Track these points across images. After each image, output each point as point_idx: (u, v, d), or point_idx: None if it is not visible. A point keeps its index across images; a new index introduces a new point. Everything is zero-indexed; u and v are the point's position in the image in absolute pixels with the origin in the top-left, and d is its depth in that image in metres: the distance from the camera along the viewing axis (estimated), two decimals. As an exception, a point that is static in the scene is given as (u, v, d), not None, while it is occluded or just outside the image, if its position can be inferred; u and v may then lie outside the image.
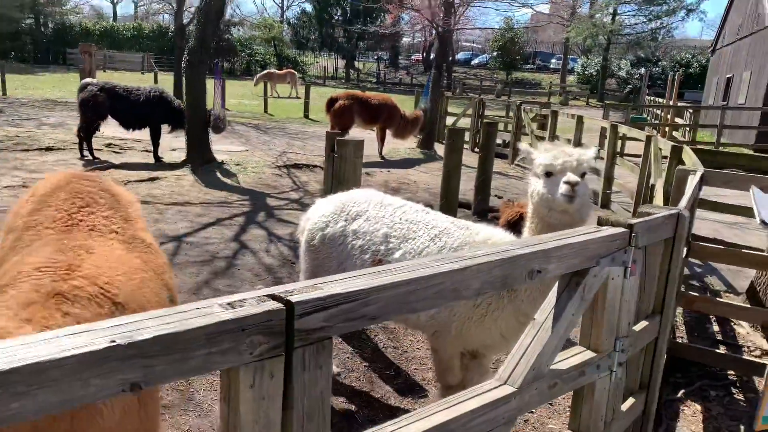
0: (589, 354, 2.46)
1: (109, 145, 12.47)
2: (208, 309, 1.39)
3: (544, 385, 2.21)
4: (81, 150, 11.05)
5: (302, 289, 1.54)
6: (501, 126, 16.99)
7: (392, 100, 14.85)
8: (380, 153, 14.44)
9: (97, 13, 70.50)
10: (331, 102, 14.22)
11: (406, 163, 13.84)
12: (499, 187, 11.08)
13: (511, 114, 17.84)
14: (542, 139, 13.80)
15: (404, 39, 52.21)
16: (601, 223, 2.52)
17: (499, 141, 16.24)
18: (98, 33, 48.72)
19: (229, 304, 1.43)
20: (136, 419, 1.84)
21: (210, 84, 11.59)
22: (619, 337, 2.52)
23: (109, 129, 12.54)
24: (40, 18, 47.21)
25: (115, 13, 67.72)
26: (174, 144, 12.47)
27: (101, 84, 11.29)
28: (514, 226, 4.99)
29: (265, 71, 32.61)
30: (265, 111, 23.00)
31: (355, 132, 15.82)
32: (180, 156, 11.60)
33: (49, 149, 11.48)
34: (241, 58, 50.29)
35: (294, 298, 1.46)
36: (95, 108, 10.78)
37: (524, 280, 2.01)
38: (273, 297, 1.47)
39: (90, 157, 10.98)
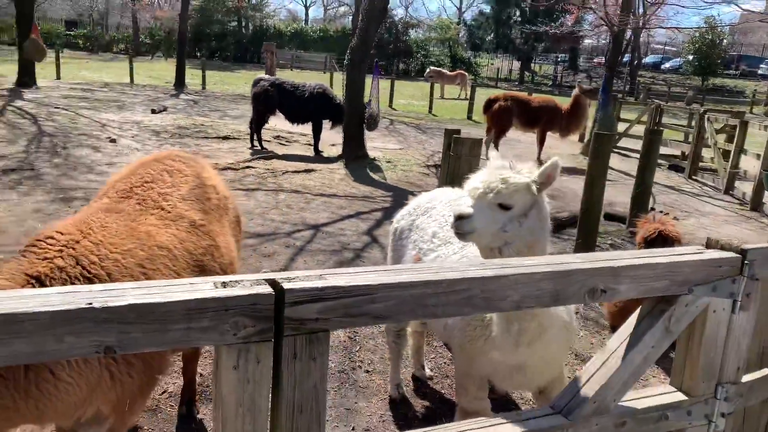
0: (678, 396, 2.10)
1: (277, 137, 13.47)
2: (199, 285, 1.40)
3: (608, 422, 1.93)
4: (251, 140, 12.07)
5: (305, 278, 1.49)
6: (681, 137, 15.43)
7: (555, 101, 14.15)
8: (539, 158, 13.84)
9: (291, 16, 76.68)
10: (489, 103, 13.93)
11: (566, 170, 13.10)
12: (667, 203, 10.06)
13: (693, 124, 16.07)
14: (727, 152, 12.28)
15: (586, 41, 49.54)
16: (710, 245, 2.13)
17: (677, 152, 14.75)
18: (289, 34, 52.94)
19: (223, 283, 1.43)
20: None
21: (368, 83, 11.99)
22: (723, 383, 2.12)
23: (280, 122, 13.56)
24: (242, 20, 52.51)
25: (307, 16, 73.23)
26: (336, 139, 13.11)
27: (272, 80, 12.24)
28: (652, 245, 4.45)
29: (436, 68, 33.03)
30: (430, 111, 23.27)
31: (517, 135, 15.43)
32: (338, 151, 12.16)
33: (225, 138, 12.71)
34: (416, 59, 51.50)
35: (287, 285, 1.41)
36: (265, 102, 11.71)
37: (583, 298, 1.77)
38: (269, 281, 1.44)
39: (258, 147, 11.95)
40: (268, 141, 12.73)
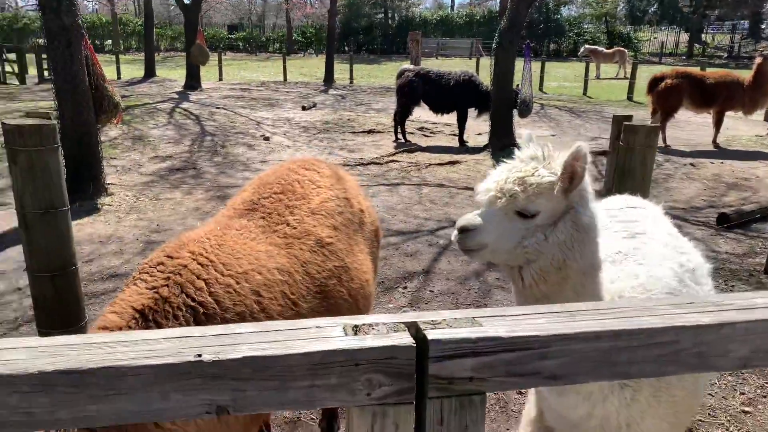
0: None
1: (421, 128, 13.30)
2: (327, 330, 1.15)
3: None
4: (396, 133, 12.00)
5: (453, 322, 1.17)
6: None
7: (734, 75, 12.42)
8: (714, 141, 12.29)
9: (437, 4, 76.37)
10: (655, 81, 12.57)
11: (749, 155, 11.47)
12: None
13: None
14: None
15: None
16: None
17: None
18: (435, 22, 52.80)
19: (354, 327, 1.16)
20: None
21: (519, 66, 11.35)
22: None
23: (424, 113, 13.37)
24: (388, 12, 53.27)
25: (453, 2, 72.50)
26: (481, 128, 12.64)
27: (416, 70, 12.05)
28: None
29: (591, 46, 30.93)
30: (584, 93, 21.79)
31: (686, 116, 13.85)
32: (484, 140, 11.69)
33: (370, 132, 12.78)
34: (569, 38, 48.81)
35: (431, 335, 1.11)
36: (410, 93, 11.56)
37: None
38: (408, 327, 1.15)
39: (402, 140, 11.85)
40: (412, 133, 12.59)
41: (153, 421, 1.50)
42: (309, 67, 33.45)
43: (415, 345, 1.10)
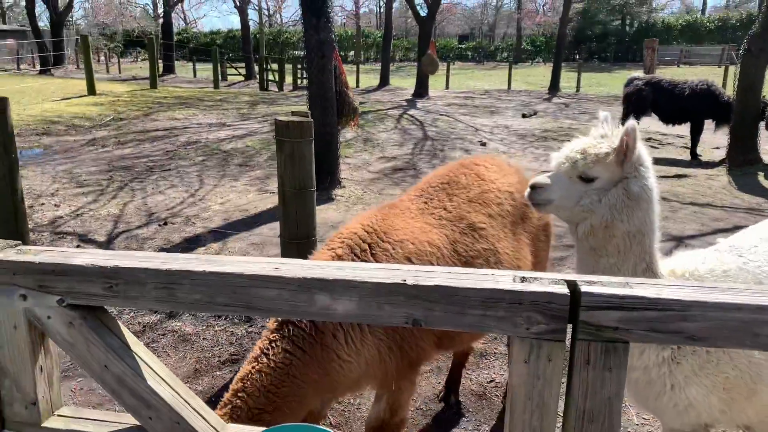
0: None
1: (649, 139, 12.54)
2: (500, 277, 1.48)
3: None
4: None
5: (607, 284, 1.43)
6: None
7: None
8: None
9: (685, 8, 69.72)
10: None
11: None
12: None
13: None
14: None
15: None
16: None
17: None
18: (679, 27, 48.43)
19: (522, 278, 1.47)
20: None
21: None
22: None
23: (654, 124, 12.61)
24: (626, 18, 50.22)
25: (704, 5, 65.57)
26: (719, 142, 11.53)
27: (647, 78, 11.42)
28: None
29: None
30: None
31: None
32: (720, 155, 10.68)
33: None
34: None
35: (585, 288, 1.38)
36: (637, 102, 11.03)
37: None
38: (567, 282, 1.43)
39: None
40: (638, 143, 11.96)
41: (369, 323, 2.01)
42: (535, 75, 33.20)
43: (569, 294, 1.37)
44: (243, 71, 28.83)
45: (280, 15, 64.64)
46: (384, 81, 25.74)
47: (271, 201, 7.87)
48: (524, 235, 2.85)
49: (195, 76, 30.50)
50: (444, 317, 1.46)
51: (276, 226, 6.80)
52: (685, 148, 11.49)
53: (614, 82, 29.00)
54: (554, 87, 23.89)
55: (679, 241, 6.44)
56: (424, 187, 2.81)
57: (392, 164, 10.33)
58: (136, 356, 1.65)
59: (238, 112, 15.60)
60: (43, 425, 1.71)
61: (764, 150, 10.37)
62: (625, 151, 2.07)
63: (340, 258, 2.37)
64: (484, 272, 1.53)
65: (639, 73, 12.91)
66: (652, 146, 12.07)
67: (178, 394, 1.67)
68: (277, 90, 23.30)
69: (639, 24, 50.47)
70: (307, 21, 7.61)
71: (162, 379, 1.66)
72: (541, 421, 1.46)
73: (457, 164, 3.00)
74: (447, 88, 25.47)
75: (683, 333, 1.35)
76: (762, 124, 10.10)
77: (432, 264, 2.41)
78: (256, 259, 1.67)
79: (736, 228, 6.93)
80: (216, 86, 23.14)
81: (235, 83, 27.04)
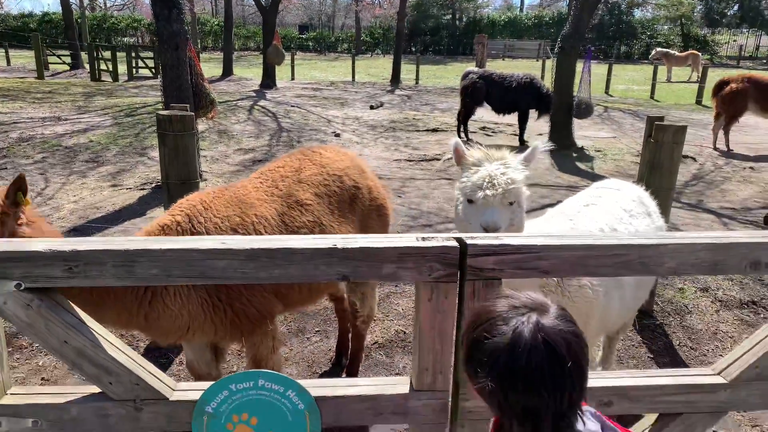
0: None
1: (483, 128, 13.89)
2: (406, 239, 1.90)
3: (769, 389, 2.03)
4: (458, 132, 12.65)
5: (484, 237, 1.91)
6: None
7: (803, 82, 12.37)
8: (777, 147, 12.31)
9: (506, 5, 75.87)
10: (720, 85, 12.69)
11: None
12: None
13: None
14: None
15: None
16: None
17: None
18: (503, 23, 52.80)
19: (423, 237, 1.91)
20: None
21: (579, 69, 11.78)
22: None
23: (486, 114, 13.96)
24: (456, 13, 53.67)
25: (522, 3, 71.94)
26: (541, 129, 13.12)
27: (480, 72, 12.65)
28: None
29: (663, 50, 30.43)
30: (652, 97, 21.69)
31: (754, 121, 13.82)
32: (544, 140, 12.17)
33: (434, 130, 13.49)
34: (641, 41, 47.83)
35: (470, 242, 1.85)
36: (473, 94, 12.19)
37: (744, 270, 1.91)
38: (456, 239, 1.89)
39: (465, 139, 12.49)
40: (474, 132, 13.21)
41: (309, 281, 2.37)
42: (376, 67, 34.41)
43: (459, 247, 1.84)
44: (68, 60, 26.46)
45: (105, -1, 59.90)
46: (227, 71, 25.20)
47: (129, 197, 7.66)
48: (353, 213, 3.25)
49: (9, 64, 27.40)
50: (368, 271, 1.85)
51: (138, 221, 6.70)
52: (514, 135, 12.92)
53: (449, 74, 31.08)
54: (396, 79, 25.08)
55: (515, 216, 7.41)
56: (263, 171, 3.19)
57: (251, 156, 10.41)
58: (92, 330, 1.84)
59: (73, 105, 14.51)
60: (1, 403, 1.83)
61: (579, 136, 12.03)
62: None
63: (178, 223, 2.67)
64: (394, 236, 1.95)
65: (472, 67, 14.17)
66: (487, 135, 13.40)
67: (134, 360, 1.89)
68: (111, 80, 21.81)
69: (468, 19, 54.18)
70: (159, 12, 7.47)
71: (117, 348, 1.87)
72: (442, 344, 1.91)
73: (298, 152, 3.39)
74: (293, 78, 25.60)
75: (539, 269, 1.88)
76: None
77: (260, 232, 2.77)
78: (200, 237, 1.94)
79: (560, 203, 8.15)
80: (40, 76, 21.09)
81: (59, 73, 24.77)
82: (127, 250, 1.75)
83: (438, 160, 10.55)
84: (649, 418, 2.11)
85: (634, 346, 4.12)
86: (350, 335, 3.86)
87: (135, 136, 11.52)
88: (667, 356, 4.01)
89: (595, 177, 9.61)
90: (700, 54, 31.00)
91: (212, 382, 1.92)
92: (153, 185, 8.09)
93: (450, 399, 1.98)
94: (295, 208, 2.95)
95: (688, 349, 4.10)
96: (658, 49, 31.28)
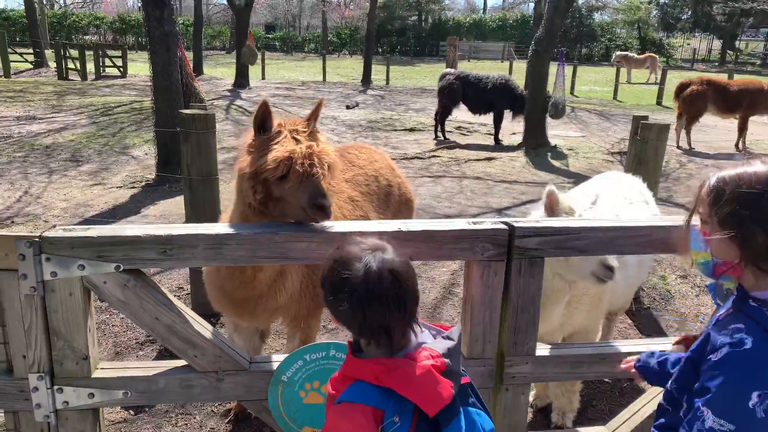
0: None
1: (458, 127, 14.24)
2: (460, 222, 2.14)
3: None
4: (436, 131, 12.95)
5: (527, 221, 2.16)
6: None
7: (759, 83, 13.07)
8: (737, 144, 12.99)
9: (470, 7, 76.93)
10: (681, 87, 13.30)
11: None
12: None
13: None
14: None
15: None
16: None
17: None
18: (467, 25, 53.53)
19: (474, 221, 2.15)
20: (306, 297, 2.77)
21: (552, 71, 12.22)
22: None
23: (461, 114, 14.30)
24: (422, 15, 54.19)
25: (485, 5, 73.13)
26: (515, 129, 13.53)
27: (457, 73, 12.98)
28: None
29: (623, 53, 31.46)
30: (614, 97, 22.44)
31: (713, 120, 14.53)
32: (518, 139, 12.59)
33: (411, 130, 13.77)
34: (600, 43, 49.21)
35: (517, 224, 2.10)
36: (450, 95, 12.51)
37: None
38: (504, 222, 2.13)
39: (442, 138, 12.81)
40: (450, 131, 13.53)
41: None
42: (344, 67, 34.55)
43: (508, 229, 2.09)
44: (30, 58, 25.83)
45: (64, -5, 58.42)
46: (197, 70, 24.90)
47: (119, 195, 7.69)
48: (388, 208, 3.54)
49: (-32, 62, 26.57)
50: (427, 252, 2.09)
51: (134, 218, 6.76)
52: (489, 135, 13.29)
53: (418, 75, 31.48)
54: (367, 80, 25.28)
55: (499, 213, 7.73)
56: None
57: (234, 154, 10.48)
58: (179, 308, 2.02)
59: (47, 104, 14.27)
60: (93, 376, 2.00)
61: (550, 135, 12.47)
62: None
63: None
64: (448, 221, 2.19)
65: (449, 69, 14.50)
66: (462, 134, 13.74)
67: (215, 335, 2.08)
68: (80, 79, 21.42)
69: (433, 20, 54.76)
70: (150, 13, 7.53)
71: (201, 324, 2.06)
72: (491, 316, 2.16)
73: (343, 148, 3.61)
74: (263, 78, 25.56)
75: (576, 248, 2.14)
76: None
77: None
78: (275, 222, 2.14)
79: (540, 199, 8.51)
80: (7, 74, 20.58)
81: (22, 71, 24.17)
82: (218, 233, 1.95)
83: (420, 158, 10.83)
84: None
85: (626, 328, 4.46)
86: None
87: (113, 135, 11.45)
88: (656, 337, 4.35)
89: (570, 174, 10.03)
90: (657, 57, 32.17)
91: (287, 354, 2.12)
92: (143, 184, 8.13)
93: (495, 366, 2.22)
94: (348, 203, 3.18)
95: (674, 330, 4.46)
96: (618, 52, 32.31)
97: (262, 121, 2.25)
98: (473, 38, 51.28)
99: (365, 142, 12.33)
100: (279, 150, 2.11)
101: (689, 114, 13.02)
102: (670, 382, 1.61)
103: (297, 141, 2.17)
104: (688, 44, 51.46)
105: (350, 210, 3.20)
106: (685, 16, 51.08)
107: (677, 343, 1.80)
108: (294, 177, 2.09)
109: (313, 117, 2.31)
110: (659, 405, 1.66)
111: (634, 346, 2.34)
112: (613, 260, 2.48)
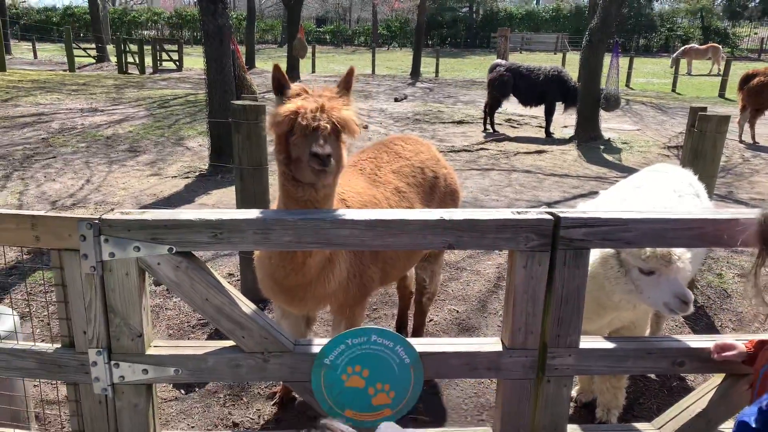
0: None
1: (508, 120, 14.05)
2: (504, 212, 2.14)
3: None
4: (485, 124, 12.83)
5: (575, 212, 2.14)
6: None
7: (830, 75, 12.37)
8: (804, 140, 12.34)
9: (525, -2, 75.38)
10: (746, 79, 12.71)
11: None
12: None
13: None
14: None
15: None
16: None
17: None
18: (520, 16, 52.59)
19: (518, 211, 2.14)
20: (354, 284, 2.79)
21: (606, 62, 11.90)
22: None
23: (511, 106, 14.10)
24: (473, 6, 53.53)
25: (540, -5, 71.56)
26: (566, 121, 13.26)
27: (507, 65, 12.80)
28: None
29: (682, 48, 30.29)
30: (673, 90, 21.67)
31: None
32: (569, 132, 12.33)
33: (459, 122, 13.67)
34: (659, 34, 47.51)
35: (562, 215, 2.08)
36: (501, 87, 12.35)
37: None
38: (548, 212, 2.11)
39: (491, 130, 12.67)
40: (500, 124, 13.37)
41: (419, 249, 2.63)
42: (394, 60, 34.54)
43: (552, 218, 2.07)
44: (93, 53, 26.91)
45: (125, -8, 60.39)
46: (250, 64, 25.41)
47: (174, 184, 7.95)
48: (433, 200, 3.54)
49: (36, 57, 27.91)
50: (470, 240, 2.09)
51: (192, 207, 6.99)
52: (540, 127, 13.06)
53: (468, 67, 31.18)
54: (416, 72, 25.21)
55: (548, 206, 7.60)
56: (356, 161, 3.41)
57: (285, 146, 10.67)
58: (229, 290, 2.09)
59: (107, 97, 14.86)
60: (147, 353, 2.10)
61: (603, 128, 12.17)
62: None
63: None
64: (491, 210, 2.18)
65: (500, 60, 14.32)
66: (512, 126, 13.55)
67: (263, 317, 2.15)
68: (139, 73, 22.19)
69: (485, 12, 54.01)
70: (205, 7, 7.73)
71: (248, 306, 2.13)
72: (534, 307, 2.15)
73: (380, 143, 3.65)
74: (314, 71, 25.84)
75: (623, 240, 2.11)
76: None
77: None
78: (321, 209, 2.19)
79: (592, 193, 8.33)
80: (72, 69, 21.52)
81: (85, 65, 25.20)
82: (265, 218, 2.01)
83: (467, 151, 10.76)
84: (718, 377, 2.33)
85: (677, 326, 4.33)
86: (409, 313, 4.11)
87: (169, 127, 11.82)
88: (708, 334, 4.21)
89: (623, 169, 9.77)
90: (720, 47, 30.81)
91: (329, 338, 2.17)
92: (197, 174, 8.38)
93: (538, 357, 2.21)
94: (395, 194, 3.22)
95: (730, 330, 4.30)
96: (679, 50, 31.03)
97: (279, 82, 2.34)
98: (526, 29, 50.36)
99: (412, 134, 12.33)
100: (287, 105, 2.19)
101: (754, 106, 12.44)
102: None
103: (315, 102, 2.22)
104: (756, 33, 49.01)
105: (396, 201, 3.24)
106: (753, 4, 48.67)
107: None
108: (298, 130, 2.13)
109: (344, 83, 2.37)
110: None
111: (681, 341, 2.28)
112: (689, 293, 2.40)
